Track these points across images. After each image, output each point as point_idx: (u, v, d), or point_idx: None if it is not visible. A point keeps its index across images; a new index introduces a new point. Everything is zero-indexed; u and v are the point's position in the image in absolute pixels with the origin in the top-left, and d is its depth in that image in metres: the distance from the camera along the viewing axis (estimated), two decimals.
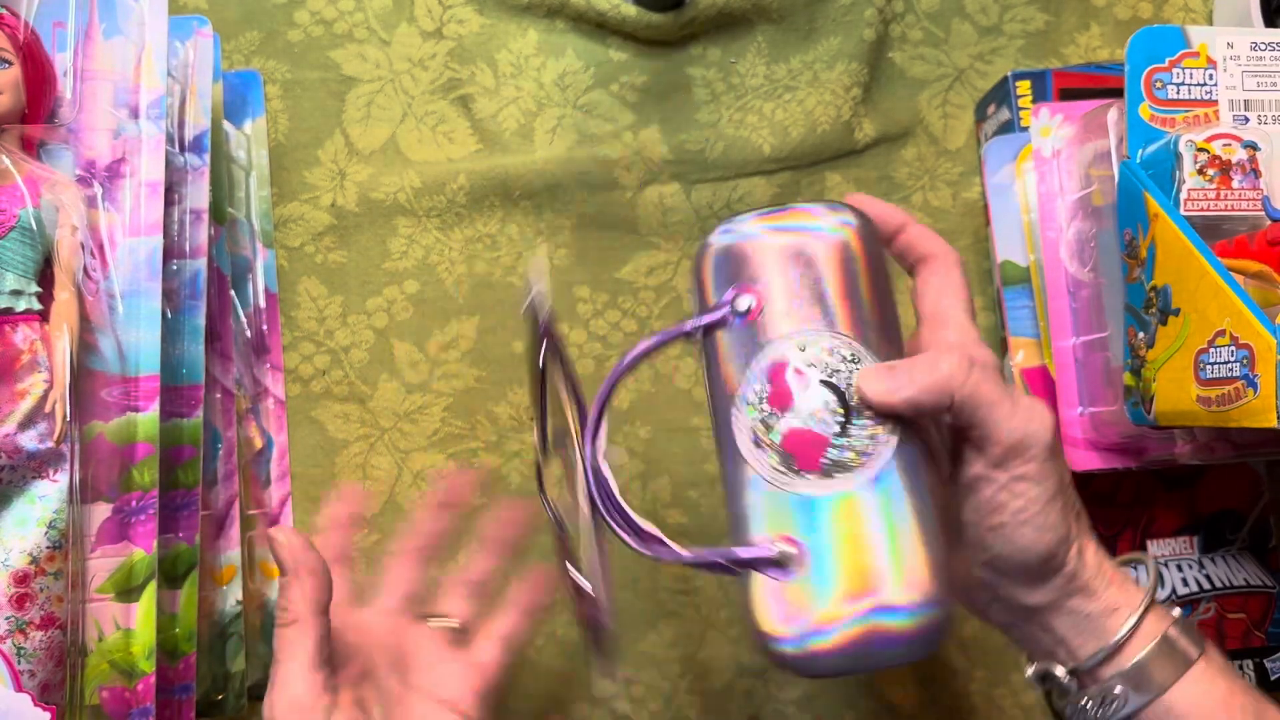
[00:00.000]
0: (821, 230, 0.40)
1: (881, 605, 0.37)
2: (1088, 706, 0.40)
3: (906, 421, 0.38)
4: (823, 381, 0.38)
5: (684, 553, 0.39)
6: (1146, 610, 0.40)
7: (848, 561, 0.37)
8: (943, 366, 0.38)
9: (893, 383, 0.38)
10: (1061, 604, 0.40)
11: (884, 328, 0.40)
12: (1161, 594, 0.59)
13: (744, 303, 0.39)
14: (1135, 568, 0.43)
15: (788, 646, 0.37)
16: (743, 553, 0.38)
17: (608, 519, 0.40)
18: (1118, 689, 0.39)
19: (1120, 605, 0.40)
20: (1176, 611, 0.41)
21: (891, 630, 0.37)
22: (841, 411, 0.38)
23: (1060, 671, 0.41)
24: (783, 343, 0.39)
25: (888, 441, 0.38)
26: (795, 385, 0.38)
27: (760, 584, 0.38)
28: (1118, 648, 0.39)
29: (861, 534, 0.37)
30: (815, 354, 0.39)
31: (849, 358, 0.39)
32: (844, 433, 0.38)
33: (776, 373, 0.39)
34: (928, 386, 0.38)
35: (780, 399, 0.38)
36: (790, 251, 0.39)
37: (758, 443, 0.38)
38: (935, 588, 0.37)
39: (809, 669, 0.37)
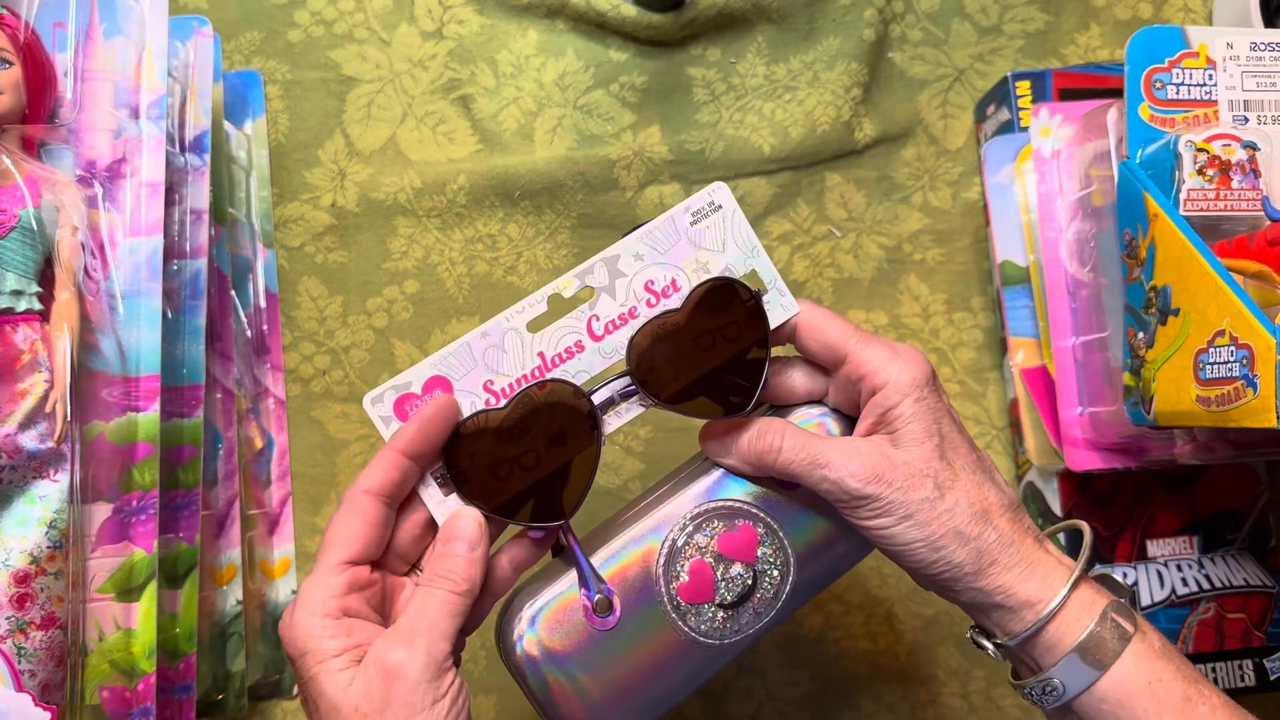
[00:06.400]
0: None
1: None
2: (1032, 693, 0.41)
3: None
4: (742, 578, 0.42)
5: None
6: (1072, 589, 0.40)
7: (605, 660, 0.41)
8: (758, 442, 0.41)
9: (721, 448, 0.43)
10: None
11: None
12: (1161, 594, 0.59)
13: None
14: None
15: (529, 646, 0.41)
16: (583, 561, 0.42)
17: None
18: (1056, 681, 0.40)
19: (1043, 598, 0.40)
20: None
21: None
22: (743, 588, 0.42)
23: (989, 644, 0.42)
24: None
25: (732, 633, 0.42)
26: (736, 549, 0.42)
27: (569, 595, 0.41)
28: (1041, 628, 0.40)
29: (633, 662, 0.41)
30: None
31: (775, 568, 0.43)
32: (730, 605, 0.42)
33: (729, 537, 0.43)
34: (744, 456, 0.42)
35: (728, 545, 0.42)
36: None
37: (681, 544, 0.42)
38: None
39: (511, 665, 0.41)
